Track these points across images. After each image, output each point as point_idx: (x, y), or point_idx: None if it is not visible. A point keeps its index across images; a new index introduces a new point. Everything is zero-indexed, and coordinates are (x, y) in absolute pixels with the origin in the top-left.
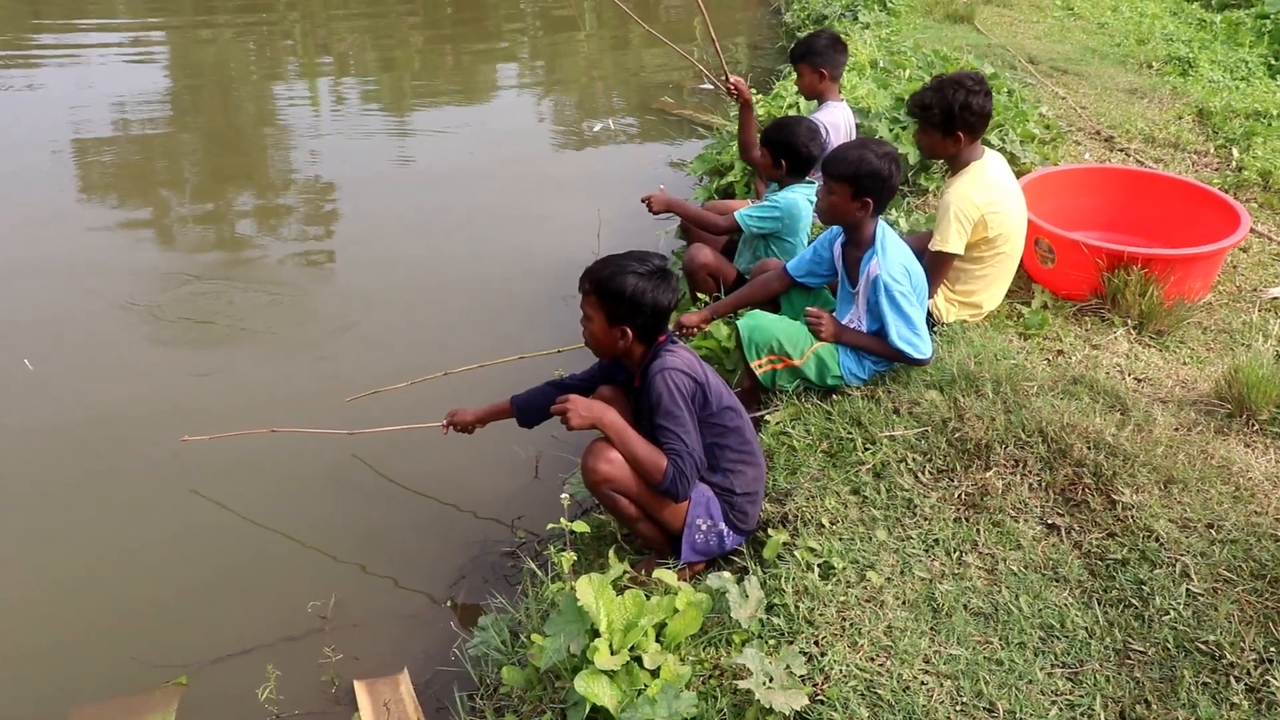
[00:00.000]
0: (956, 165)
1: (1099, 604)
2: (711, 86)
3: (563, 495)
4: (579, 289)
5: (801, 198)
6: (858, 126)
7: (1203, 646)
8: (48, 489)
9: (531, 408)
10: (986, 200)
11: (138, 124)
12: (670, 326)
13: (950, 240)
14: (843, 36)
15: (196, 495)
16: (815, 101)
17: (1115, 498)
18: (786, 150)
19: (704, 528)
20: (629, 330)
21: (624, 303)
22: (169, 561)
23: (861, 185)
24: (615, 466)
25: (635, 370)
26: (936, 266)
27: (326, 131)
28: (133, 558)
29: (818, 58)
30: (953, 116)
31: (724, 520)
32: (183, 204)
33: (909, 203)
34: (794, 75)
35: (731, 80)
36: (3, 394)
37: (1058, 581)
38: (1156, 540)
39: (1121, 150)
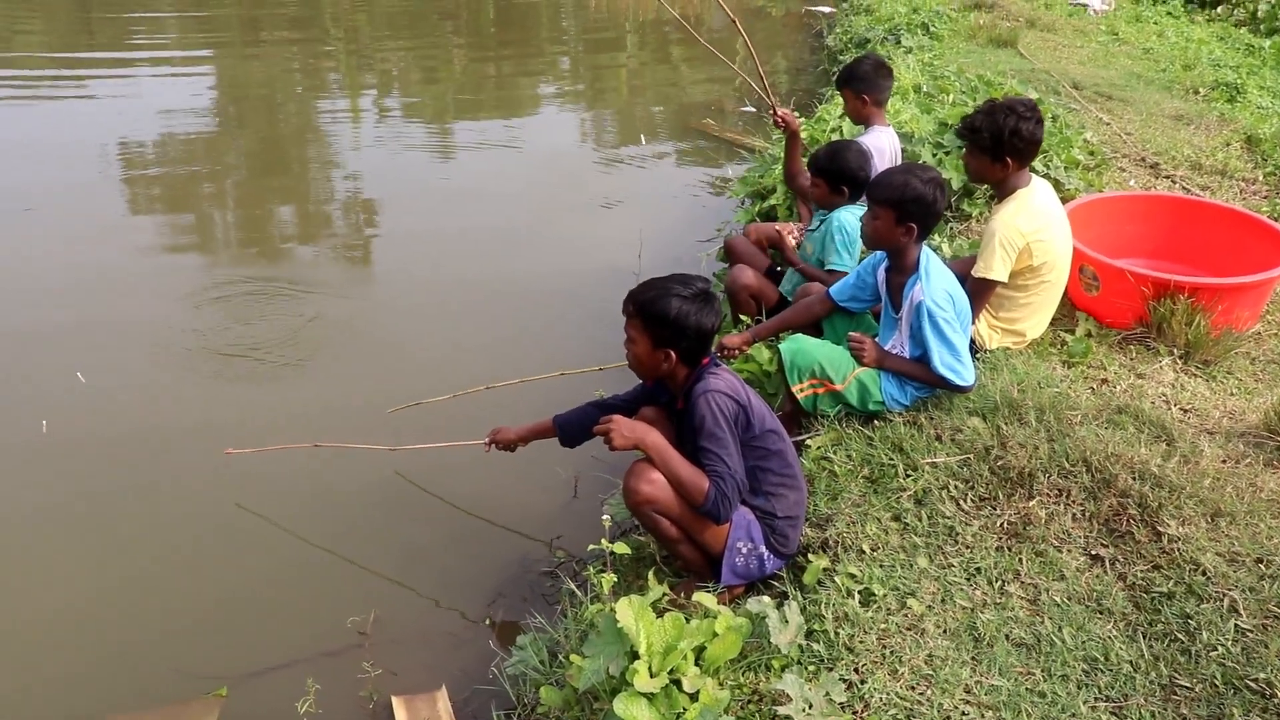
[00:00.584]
0: (1003, 191)
1: (1144, 638)
2: (753, 109)
3: (603, 516)
4: (623, 311)
5: (855, 218)
6: (902, 151)
7: (1252, 684)
8: (95, 499)
9: (574, 427)
10: (1032, 228)
11: (184, 139)
12: (712, 348)
13: (994, 267)
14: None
15: (240, 508)
16: (861, 126)
17: (1161, 530)
18: (842, 177)
19: (745, 550)
20: (672, 353)
21: (668, 326)
22: (212, 573)
23: (906, 210)
24: (657, 487)
25: (678, 392)
26: (979, 293)
27: (368, 148)
28: (176, 568)
29: (861, 83)
30: (1002, 141)
31: (765, 543)
32: (227, 220)
33: (952, 228)
34: (837, 99)
35: (780, 113)
36: (55, 405)
37: (1102, 614)
38: (1203, 574)
39: (1167, 177)
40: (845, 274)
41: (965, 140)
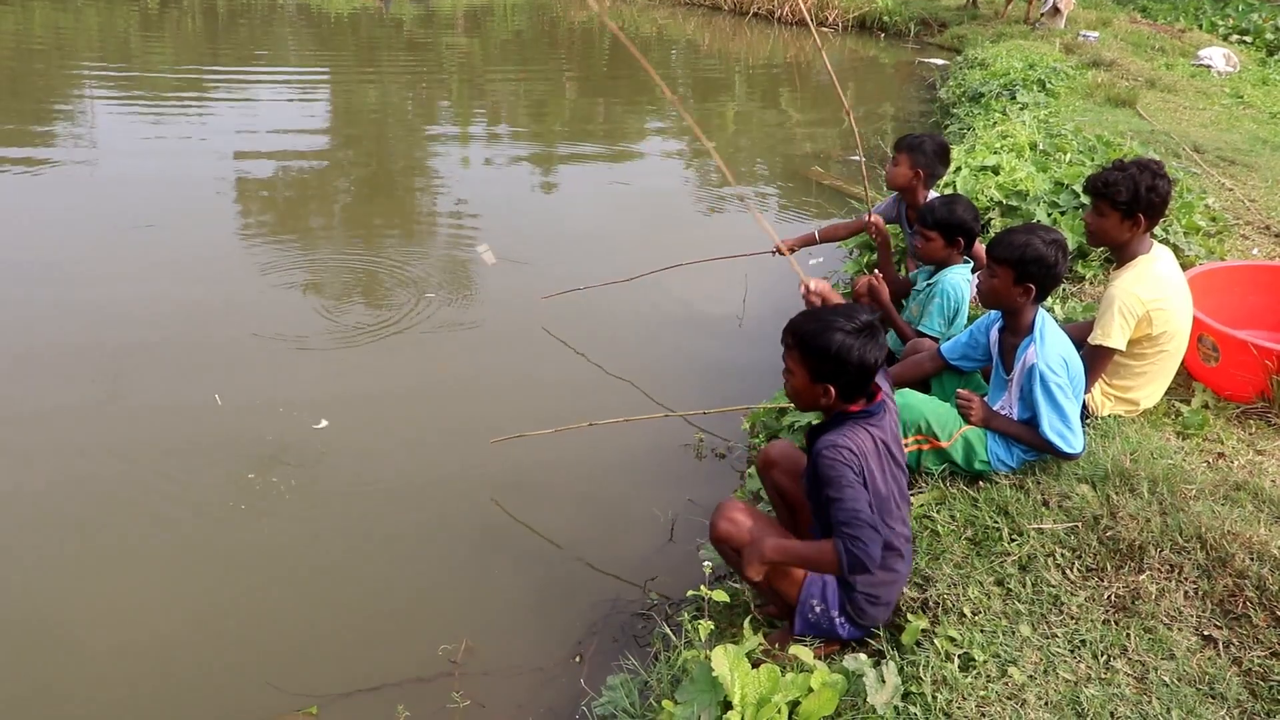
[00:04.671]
0: (1124, 256)
1: None
2: (860, 158)
3: (704, 563)
4: (781, 341)
5: (964, 280)
6: (1015, 209)
7: None
8: (203, 515)
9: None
10: (1153, 296)
11: (300, 161)
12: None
13: (1113, 335)
14: (999, 118)
15: (336, 530)
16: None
17: None
18: (960, 230)
19: (817, 609)
20: (831, 389)
21: (828, 360)
22: (309, 592)
23: (1025, 270)
24: (737, 527)
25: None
26: (1096, 360)
27: (475, 179)
28: (275, 586)
29: (922, 157)
30: (1139, 197)
31: (839, 609)
32: (341, 248)
33: (1065, 289)
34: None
35: (871, 219)
36: (190, 426)
37: (1214, 698)
38: None
39: None
40: (934, 338)
41: (1098, 197)
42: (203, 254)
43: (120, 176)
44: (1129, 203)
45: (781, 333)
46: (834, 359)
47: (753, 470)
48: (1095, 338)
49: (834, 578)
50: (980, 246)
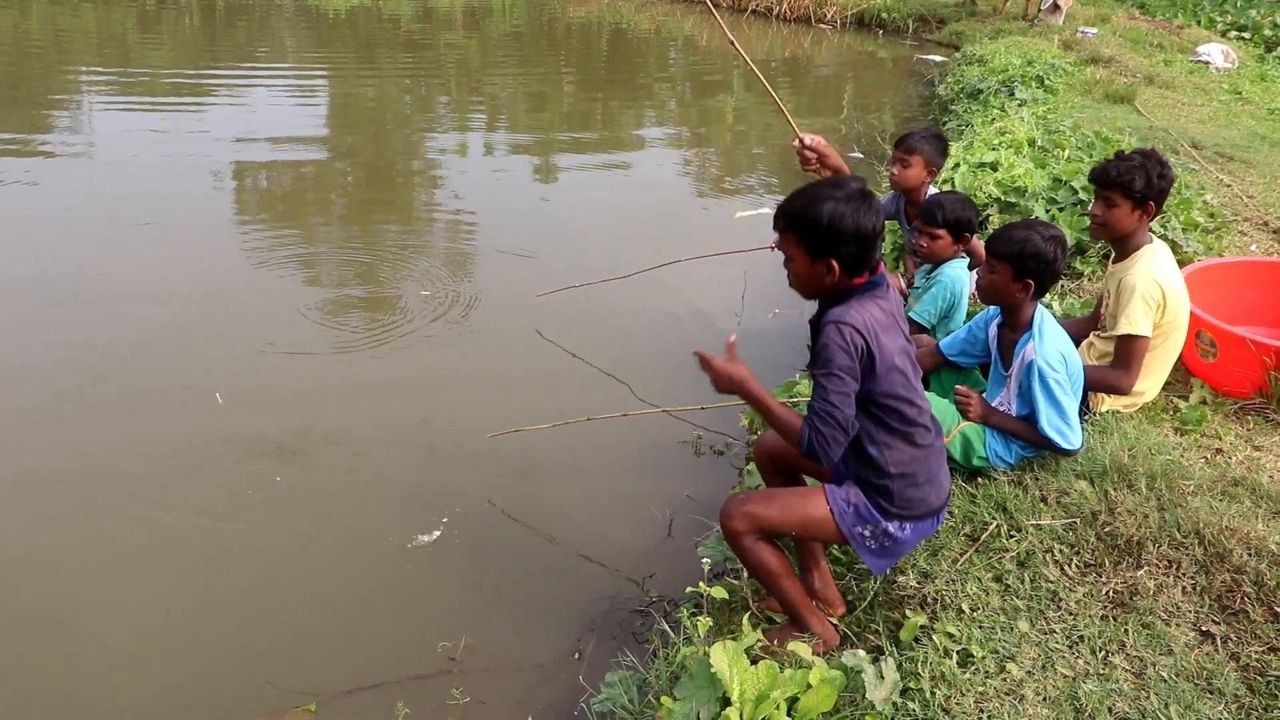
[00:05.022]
0: (1129, 248)
1: None
2: (861, 155)
3: (703, 559)
4: (774, 228)
5: (962, 273)
6: (1013, 205)
7: None
8: (205, 516)
9: None
10: (1166, 279)
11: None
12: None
13: (1139, 323)
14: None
15: (334, 527)
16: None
17: (1279, 610)
18: (968, 227)
19: (868, 534)
20: (834, 263)
21: (824, 233)
22: (309, 589)
23: (1025, 266)
24: (769, 508)
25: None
26: (1131, 352)
27: (472, 176)
28: (275, 583)
29: (935, 155)
30: (1151, 185)
31: (882, 515)
32: (338, 241)
33: (1064, 286)
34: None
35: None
36: (188, 423)
37: (1212, 694)
38: None
39: None
40: (924, 326)
41: (1109, 187)
42: (199, 251)
43: (117, 174)
44: (1143, 191)
45: (772, 220)
46: (829, 230)
47: (751, 467)
48: (1123, 328)
49: (860, 493)
50: (979, 242)
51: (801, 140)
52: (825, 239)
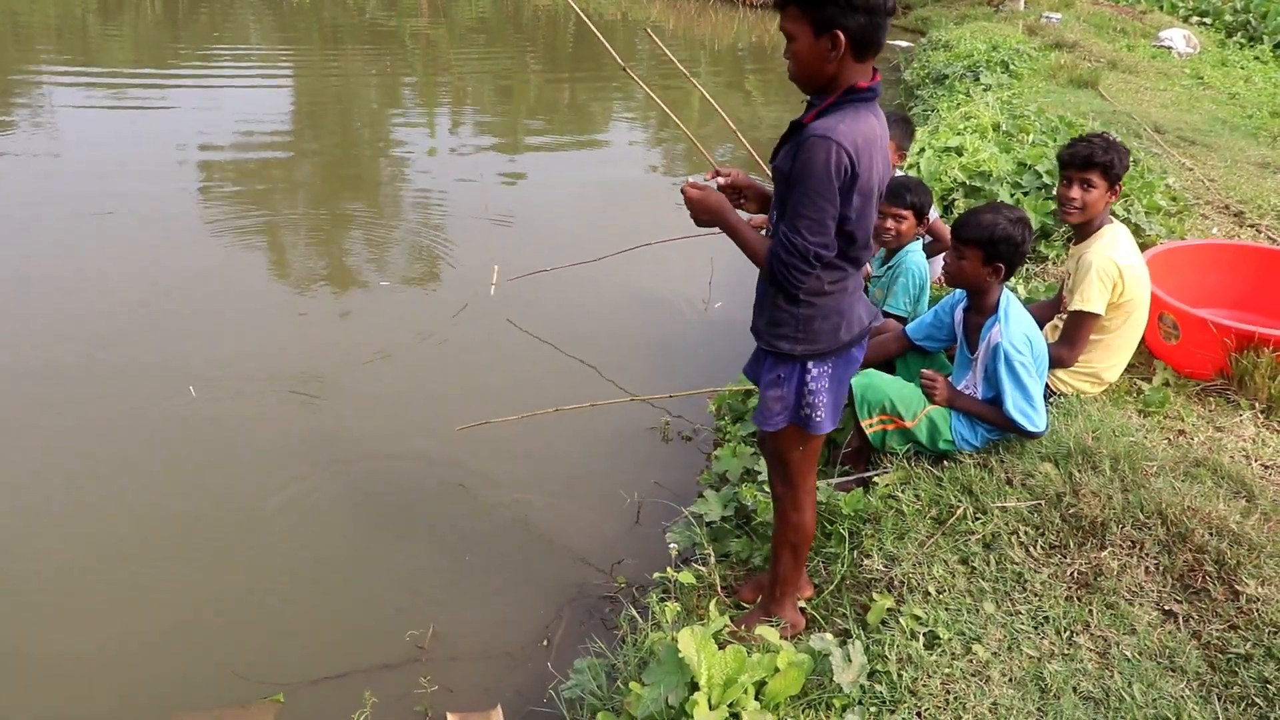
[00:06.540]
0: (1092, 228)
1: (1219, 699)
2: None
3: (670, 545)
4: (775, 7)
5: (922, 256)
6: (978, 190)
7: None
8: (171, 510)
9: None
10: (1125, 260)
11: (261, 143)
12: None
13: (1092, 299)
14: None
15: (306, 519)
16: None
17: (1239, 589)
18: (927, 207)
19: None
20: (841, 36)
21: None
22: (275, 579)
23: (994, 250)
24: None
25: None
26: (1079, 328)
27: (438, 164)
28: (240, 574)
29: (904, 139)
30: (1125, 167)
31: (792, 346)
32: (305, 232)
33: (1028, 269)
34: None
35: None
36: (153, 415)
37: (1174, 671)
38: None
39: (1252, 226)
40: (901, 318)
41: (1089, 169)
42: (163, 239)
43: (79, 164)
44: (1119, 172)
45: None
46: None
47: (719, 453)
48: (1076, 304)
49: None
50: (940, 222)
51: (717, 172)
52: (832, 6)
